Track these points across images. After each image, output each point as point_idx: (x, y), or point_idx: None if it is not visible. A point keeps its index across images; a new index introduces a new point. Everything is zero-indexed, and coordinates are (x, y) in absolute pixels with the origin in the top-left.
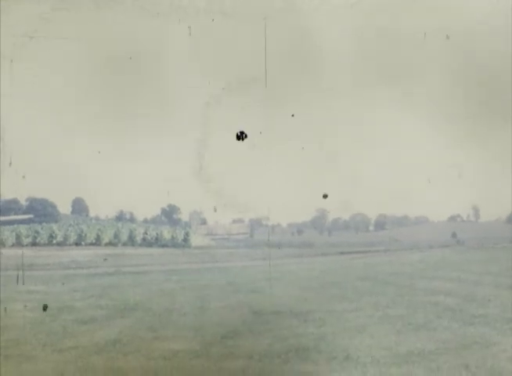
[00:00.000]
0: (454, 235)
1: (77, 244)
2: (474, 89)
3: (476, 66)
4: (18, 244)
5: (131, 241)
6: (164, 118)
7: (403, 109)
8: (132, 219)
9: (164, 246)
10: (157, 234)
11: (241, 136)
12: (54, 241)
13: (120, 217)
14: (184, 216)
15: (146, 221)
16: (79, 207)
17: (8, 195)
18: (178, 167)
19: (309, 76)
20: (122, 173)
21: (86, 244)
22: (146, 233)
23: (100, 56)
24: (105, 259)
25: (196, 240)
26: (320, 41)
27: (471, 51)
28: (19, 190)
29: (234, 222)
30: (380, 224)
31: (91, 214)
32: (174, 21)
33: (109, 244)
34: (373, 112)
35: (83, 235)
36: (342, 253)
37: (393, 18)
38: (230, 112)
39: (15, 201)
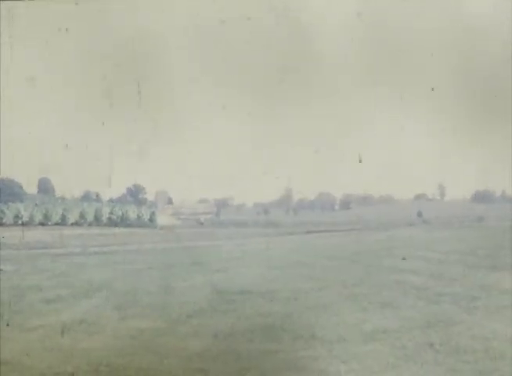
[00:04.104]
0: (420, 214)
1: (42, 223)
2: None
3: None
4: None
5: (96, 221)
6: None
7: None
8: (98, 199)
9: (129, 226)
10: (123, 214)
11: None
12: (20, 221)
13: (85, 197)
14: (150, 196)
15: (111, 201)
16: (45, 186)
17: None
18: (144, 147)
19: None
20: (88, 152)
21: (52, 224)
22: (112, 213)
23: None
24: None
25: (162, 219)
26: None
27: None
28: None
29: (200, 201)
30: (346, 203)
31: (57, 194)
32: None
33: (75, 223)
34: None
35: (49, 215)
36: (308, 232)
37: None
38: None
39: None
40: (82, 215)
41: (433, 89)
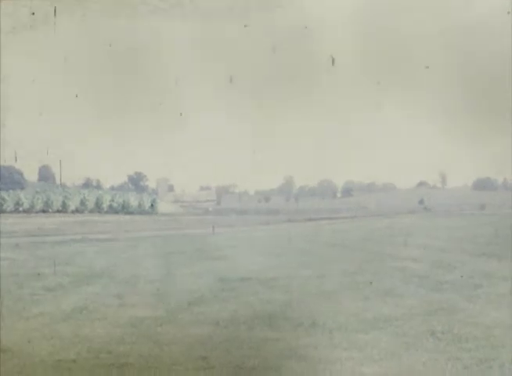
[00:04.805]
0: (421, 201)
1: (43, 211)
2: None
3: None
4: None
5: (97, 208)
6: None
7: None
8: (99, 186)
9: (130, 213)
10: (124, 201)
11: None
12: (20, 209)
13: (86, 184)
14: (151, 183)
15: (112, 188)
16: (46, 174)
17: None
18: (146, 134)
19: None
20: (89, 140)
21: (53, 212)
22: (113, 200)
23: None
24: None
25: (163, 207)
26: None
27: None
28: None
29: (201, 189)
30: (347, 191)
31: (58, 181)
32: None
33: (76, 211)
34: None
35: (49, 202)
36: (309, 220)
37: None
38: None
39: None
40: (83, 203)
41: (434, 79)
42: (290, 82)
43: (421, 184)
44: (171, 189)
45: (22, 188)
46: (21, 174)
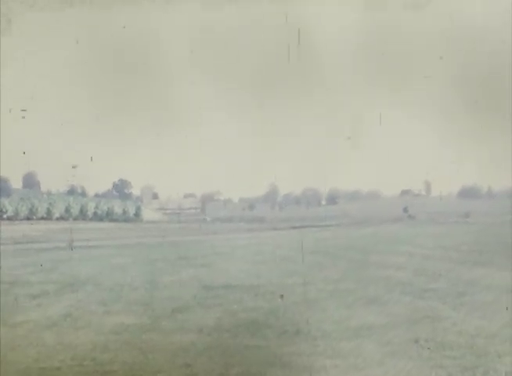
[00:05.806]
0: (406, 210)
1: (28, 218)
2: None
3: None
4: None
5: (82, 215)
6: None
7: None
8: (84, 194)
9: (115, 220)
10: (108, 208)
11: None
12: (5, 216)
13: (71, 191)
14: (136, 191)
15: (97, 195)
16: (30, 181)
17: None
18: (131, 142)
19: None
20: (74, 148)
21: (37, 219)
22: (98, 208)
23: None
24: None
25: (147, 214)
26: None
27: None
28: None
29: (186, 196)
30: (332, 198)
31: (43, 188)
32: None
33: (61, 218)
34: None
35: (34, 209)
36: (293, 227)
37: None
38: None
39: None
40: (67, 210)
41: (425, 87)
42: (277, 90)
43: (405, 192)
44: (155, 196)
45: (7, 195)
46: (6, 181)
